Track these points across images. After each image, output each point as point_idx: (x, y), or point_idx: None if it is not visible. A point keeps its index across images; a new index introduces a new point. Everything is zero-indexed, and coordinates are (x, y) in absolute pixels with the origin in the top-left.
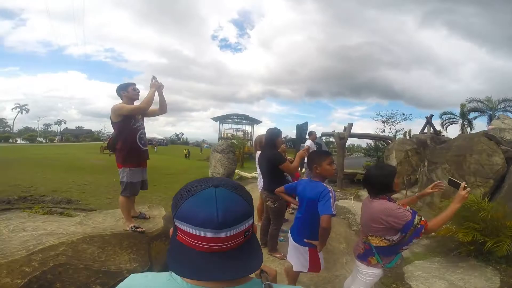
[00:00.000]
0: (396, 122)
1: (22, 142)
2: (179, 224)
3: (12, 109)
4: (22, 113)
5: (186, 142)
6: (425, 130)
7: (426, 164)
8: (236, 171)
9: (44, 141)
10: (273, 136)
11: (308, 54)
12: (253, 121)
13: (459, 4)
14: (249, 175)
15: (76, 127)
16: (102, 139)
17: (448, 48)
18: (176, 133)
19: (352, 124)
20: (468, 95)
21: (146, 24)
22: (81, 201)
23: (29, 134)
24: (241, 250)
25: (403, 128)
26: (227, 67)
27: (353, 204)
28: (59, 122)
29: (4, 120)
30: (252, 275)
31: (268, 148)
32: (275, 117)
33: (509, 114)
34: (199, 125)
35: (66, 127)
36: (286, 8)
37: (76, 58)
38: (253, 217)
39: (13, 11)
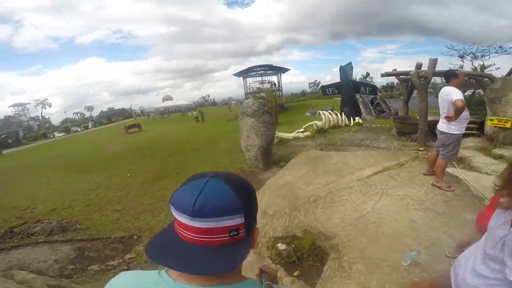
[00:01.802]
0: (485, 57)
1: (59, 135)
2: (171, 208)
3: (35, 106)
4: (45, 108)
5: (214, 103)
6: None
7: None
8: None
9: (79, 130)
10: None
11: None
12: (279, 70)
13: None
14: (289, 135)
15: (107, 108)
16: (133, 116)
17: None
18: (202, 96)
19: (436, 59)
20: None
21: None
22: (81, 223)
23: (63, 126)
24: (219, 250)
25: (494, 64)
26: (240, 23)
27: (461, 173)
28: (89, 108)
29: (46, 117)
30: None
31: None
32: (299, 64)
33: None
34: (223, 84)
35: (101, 110)
36: None
37: (88, 45)
38: (247, 216)
39: (3, 16)
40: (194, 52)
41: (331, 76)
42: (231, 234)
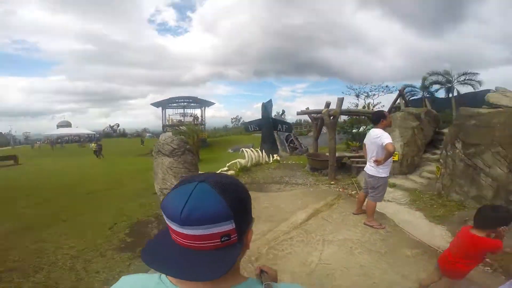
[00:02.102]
0: (373, 94)
1: None
2: (162, 212)
3: None
4: None
5: (123, 134)
6: (398, 103)
7: (459, 146)
8: None
9: None
10: None
11: (254, 35)
12: (204, 104)
13: None
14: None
15: None
16: (11, 144)
17: (378, 28)
18: (110, 125)
19: (343, 98)
20: (392, 72)
21: (62, 10)
22: None
23: None
24: (211, 255)
25: (380, 102)
26: (168, 51)
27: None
28: None
29: None
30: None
31: None
32: (223, 99)
33: (469, 87)
34: (137, 114)
35: None
36: None
37: None
38: (238, 222)
39: None
40: (108, 75)
41: (252, 112)
42: (222, 239)
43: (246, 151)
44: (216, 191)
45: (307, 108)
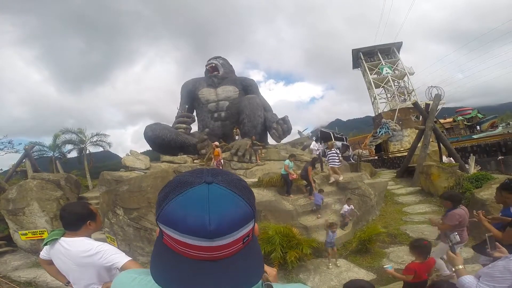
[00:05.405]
0: None
1: None
2: (164, 228)
3: None
4: None
5: None
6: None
7: (120, 212)
8: None
9: None
10: None
11: None
12: None
13: None
14: None
15: None
16: None
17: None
18: None
19: None
20: (7, 121)
21: None
22: None
23: None
24: (237, 258)
25: None
26: None
27: None
28: None
29: None
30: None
31: None
32: None
33: (101, 148)
34: None
35: None
36: None
37: None
38: (255, 219)
39: None
40: None
41: None
42: (244, 240)
43: None
44: (232, 191)
45: None
